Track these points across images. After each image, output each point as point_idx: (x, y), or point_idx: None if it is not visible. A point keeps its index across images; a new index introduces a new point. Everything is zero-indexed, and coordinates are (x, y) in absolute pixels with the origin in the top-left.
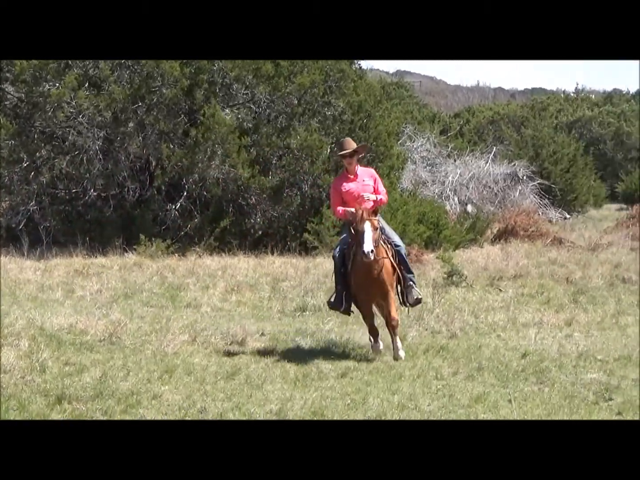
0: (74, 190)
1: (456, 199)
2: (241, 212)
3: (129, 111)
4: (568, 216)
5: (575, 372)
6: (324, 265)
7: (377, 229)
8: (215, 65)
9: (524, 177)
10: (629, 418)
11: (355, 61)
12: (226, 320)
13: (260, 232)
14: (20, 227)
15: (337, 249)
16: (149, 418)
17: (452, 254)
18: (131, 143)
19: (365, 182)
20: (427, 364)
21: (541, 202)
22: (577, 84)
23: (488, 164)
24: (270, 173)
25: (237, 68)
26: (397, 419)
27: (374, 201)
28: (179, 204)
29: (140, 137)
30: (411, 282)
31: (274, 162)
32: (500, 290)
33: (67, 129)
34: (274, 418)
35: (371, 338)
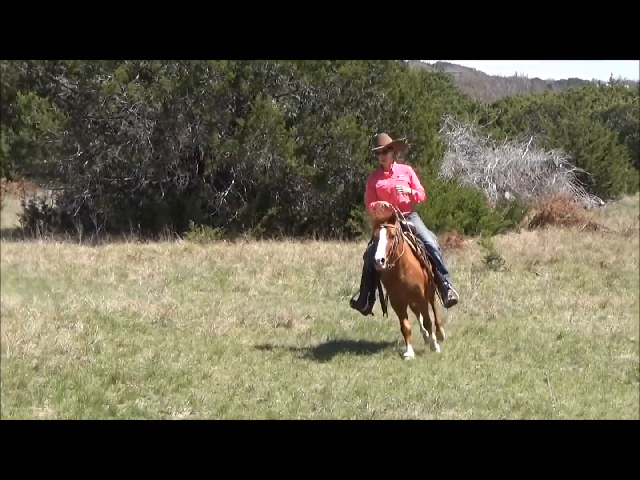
0: (126, 179)
1: (495, 186)
2: (287, 200)
3: (178, 102)
4: (603, 203)
5: (608, 352)
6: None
7: (393, 237)
8: None
9: (560, 165)
10: None
11: None
12: (273, 303)
13: (305, 219)
14: (75, 214)
15: (368, 247)
16: (199, 397)
17: (490, 239)
18: (181, 133)
19: (399, 179)
20: (466, 345)
21: (577, 189)
22: (612, 75)
23: (525, 152)
24: (315, 161)
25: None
26: (437, 397)
27: (408, 194)
28: (227, 192)
29: (189, 128)
30: (446, 282)
31: (318, 151)
32: (536, 274)
33: (119, 120)
34: (319, 397)
35: (404, 340)
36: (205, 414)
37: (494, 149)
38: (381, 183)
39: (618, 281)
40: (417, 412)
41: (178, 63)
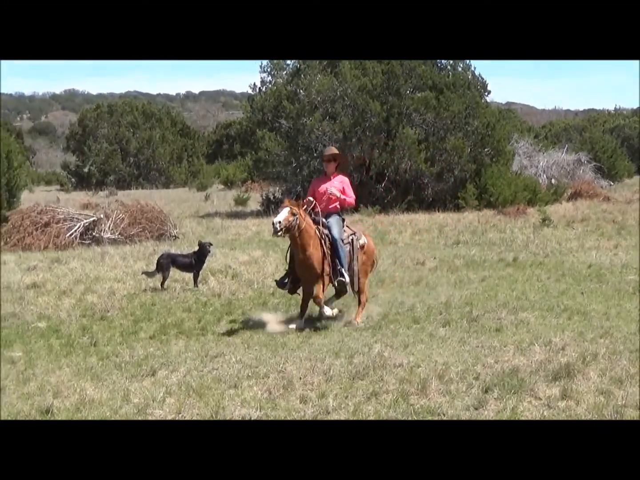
0: None
1: (544, 176)
2: (419, 188)
3: (352, 132)
4: (612, 183)
5: (620, 275)
6: (468, 217)
7: (294, 215)
8: (402, 103)
9: (585, 162)
10: None
11: (484, 96)
12: (412, 250)
13: (431, 199)
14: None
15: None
16: (370, 310)
17: (544, 208)
18: (354, 150)
19: (334, 185)
20: (532, 272)
21: (596, 176)
22: (616, 104)
23: (563, 154)
24: (435, 165)
25: (415, 103)
26: (515, 305)
27: (338, 199)
28: (383, 185)
29: (359, 147)
30: (339, 266)
31: (437, 158)
32: (573, 228)
33: (317, 144)
34: (443, 307)
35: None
36: (376, 319)
37: (543, 153)
38: (321, 185)
39: (624, 231)
40: (503, 314)
41: (351, 108)
